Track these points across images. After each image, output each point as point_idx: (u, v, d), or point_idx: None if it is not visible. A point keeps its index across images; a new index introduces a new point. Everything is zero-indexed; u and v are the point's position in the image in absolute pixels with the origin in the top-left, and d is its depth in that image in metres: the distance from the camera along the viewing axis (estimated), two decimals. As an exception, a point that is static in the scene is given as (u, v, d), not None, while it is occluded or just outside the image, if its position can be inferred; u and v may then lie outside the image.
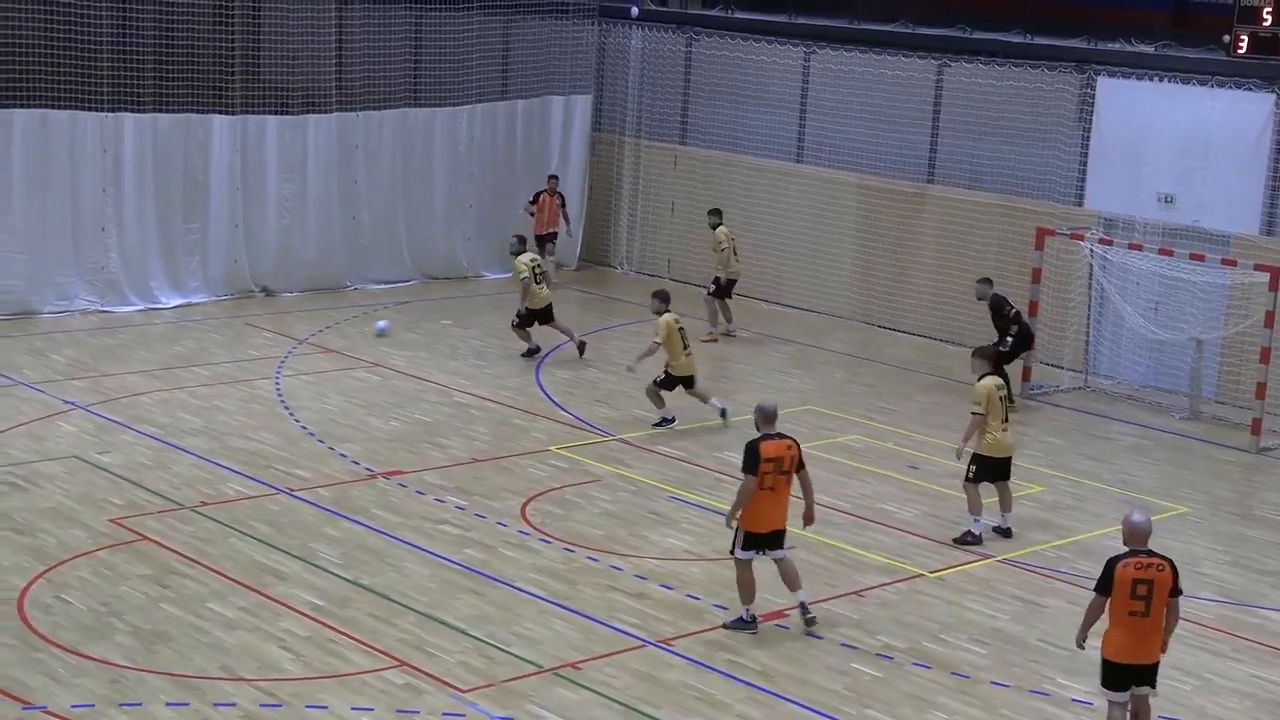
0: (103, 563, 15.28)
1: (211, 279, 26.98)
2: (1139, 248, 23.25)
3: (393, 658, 13.60)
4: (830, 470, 19.51)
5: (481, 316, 26.26)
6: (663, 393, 20.54)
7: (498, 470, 18.82)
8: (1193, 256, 22.60)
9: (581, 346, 23.78)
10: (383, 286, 28.38)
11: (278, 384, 22.06)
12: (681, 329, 20.73)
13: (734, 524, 14.17)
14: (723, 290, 25.82)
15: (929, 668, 14.12)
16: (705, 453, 19.71)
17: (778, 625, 14.81)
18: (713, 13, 30.24)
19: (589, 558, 16.14)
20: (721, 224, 26.10)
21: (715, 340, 25.41)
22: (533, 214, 28.36)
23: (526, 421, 20.82)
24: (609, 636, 14.23)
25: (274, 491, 17.63)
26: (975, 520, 16.90)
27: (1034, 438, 21.76)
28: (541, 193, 28.64)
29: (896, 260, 27.30)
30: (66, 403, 20.53)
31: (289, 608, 14.53)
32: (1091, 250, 23.69)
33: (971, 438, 16.68)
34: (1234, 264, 22.34)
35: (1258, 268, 21.91)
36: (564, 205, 28.87)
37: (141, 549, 15.71)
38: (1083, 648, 12.19)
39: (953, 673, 14.04)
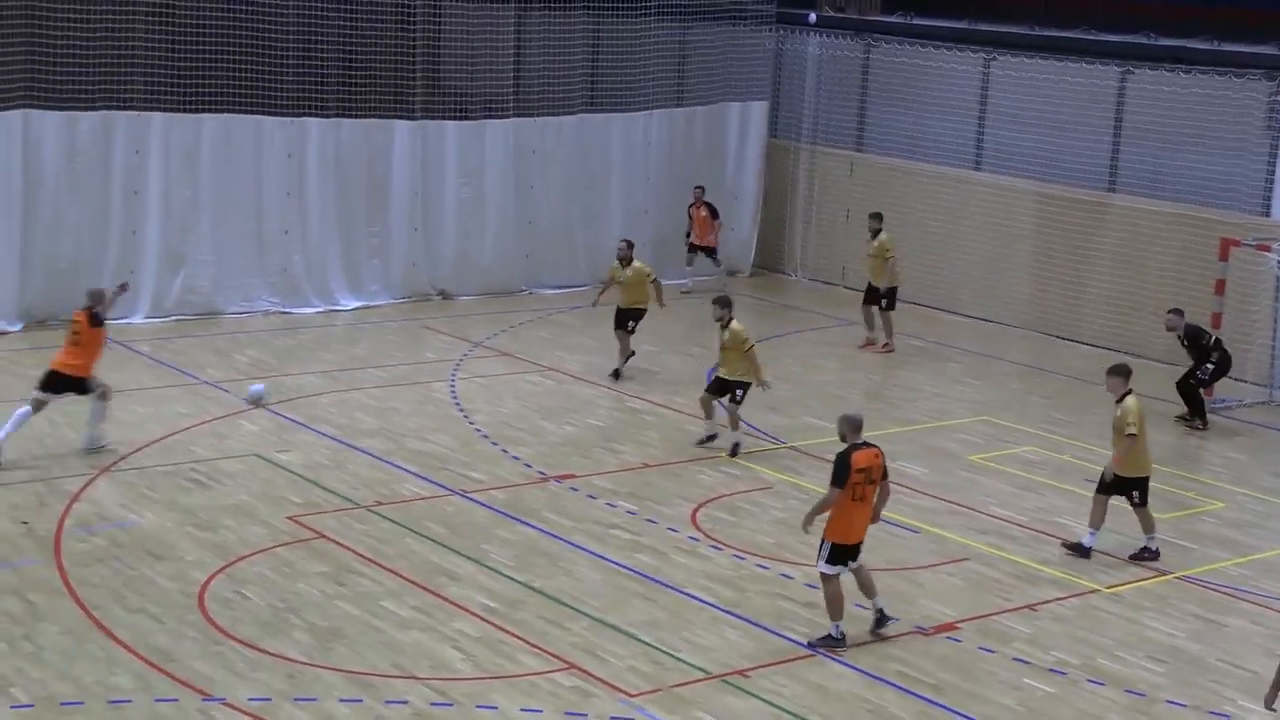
0: (281, 560, 15.58)
1: (390, 282, 27.40)
2: None
3: (563, 660, 13.69)
4: (1006, 482, 19.40)
5: (654, 321, 26.22)
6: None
7: (668, 476, 18.90)
8: None
9: (616, 374, 22.93)
10: (558, 291, 28.60)
11: (453, 387, 22.32)
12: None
13: (810, 529, 14.10)
14: (892, 301, 25.52)
15: (1103, 685, 13.96)
16: None
17: (949, 638, 14.67)
18: (891, 19, 30.10)
19: (759, 565, 16.15)
20: (883, 229, 25.60)
21: (891, 350, 25.34)
22: (688, 230, 28.70)
23: (699, 428, 20.81)
24: (779, 645, 14.19)
25: (448, 493, 17.82)
26: (1091, 532, 16.76)
27: (1216, 453, 21.48)
28: (691, 205, 28.55)
29: (1075, 270, 27.05)
30: (248, 402, 20.84)
31: (462, 608, 14.68)
32: (1278, 262, 23.32)
33: (1125, 460, 16.38)
34: None
35: None
36: (715, 215, 28.62)
37: (319, 547, 15.97)
38: None
39: (1128, 690, 13.88)
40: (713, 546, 16.65)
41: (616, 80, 29.15)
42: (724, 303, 20.05)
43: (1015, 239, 27.78)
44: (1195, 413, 22.21)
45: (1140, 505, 16.60)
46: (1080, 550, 16.63)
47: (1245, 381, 24.21)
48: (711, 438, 19.73)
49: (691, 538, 16.88)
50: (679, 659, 13.87)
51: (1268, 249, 23.34)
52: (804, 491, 18.54)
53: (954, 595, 15.55)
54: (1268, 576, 16.78)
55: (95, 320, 18.25)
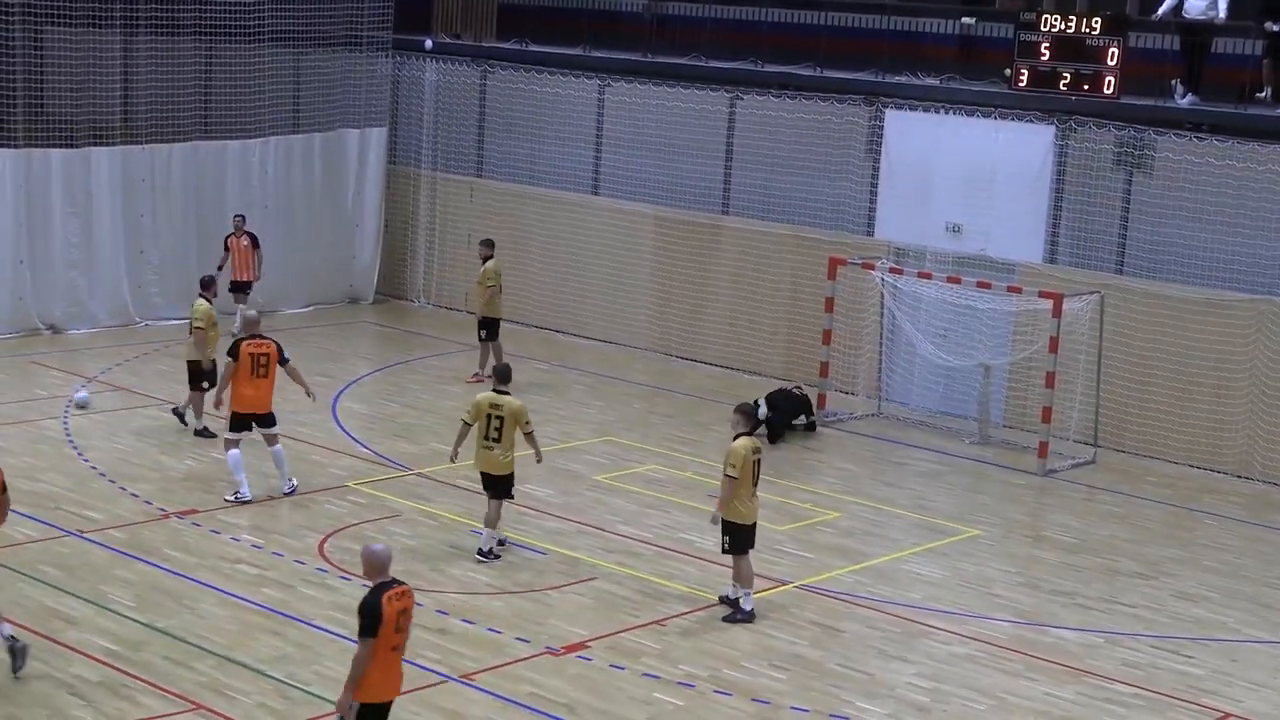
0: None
1: (-3, 317, 26.09)
2: (928, 276, 23.49)
3: (189, 701, 13.30)
4: (631, 501, 19.52)
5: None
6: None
7: (295, 508, 18.55)
8: (980, 285, 22.91)
9: (180, 415, 21.44)
10: (175, 323, 27.54)
11: (66, 423, 21.47)
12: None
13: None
14: (493, 333, 24.70)
15: (731, 695, 14.10)
16: None
17: (580, 657, 14.71)
18: (507, 45, 29.97)
19: (390, 594, 15.84)
20: (493, 258, 25.03)
21: (480, 380, 24.18)
22: (221, 266, 26.03)
23: (324, 458, 20.57)
24: (411, 673, 13.97)
25: (63, 534, 17.18)
26: (746, 594, 15.77)
27: (829, 464, 21.98)
28: (229, 236, 26.81)
29: (694, 292, 27.38)
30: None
31: (80, 653, 14.12)
32: (882, 279, 23.88)
33: (728, 503, 15.45)
34: (1019, 291, 22.72)
35: (1041, 294, 22.22)
36: (256, 246, 26.82)
37: (-77, 597, 15.14)
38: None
39: (754, 699, 14.02)
40: (342, 577, 16.37)
41: (231, 106, 28.55)
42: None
43: (635, 262, 27.99)
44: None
45: (727, 552, 15.69)
46: (742, 615, 15.74)
47: (855, 394, 24.84)
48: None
49: (320, 569, 16.57)
50: (310, 693, 13.59)
51: (872, 267, 23.94)
52: (433, 519, 18.37)
53: (584, 614, 15.57)
54: (881, 582, 17.25)
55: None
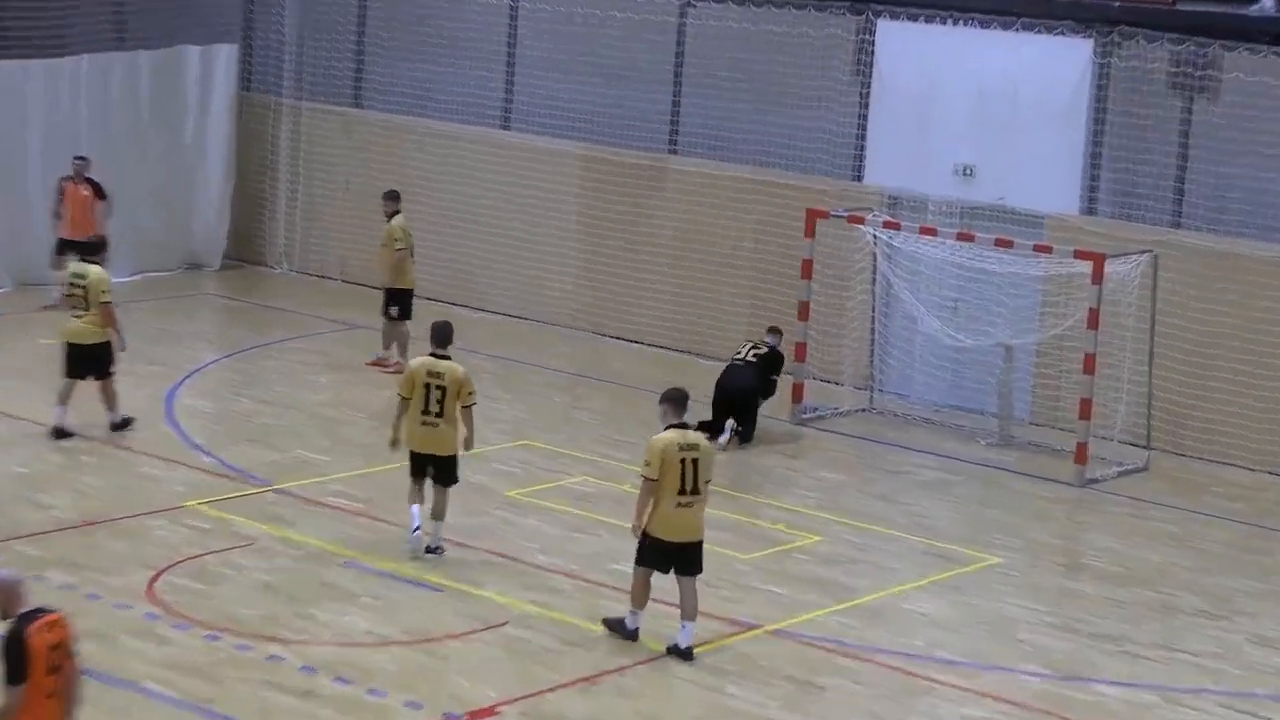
0: None
1: None
2: (932, 232, 23.55)
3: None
4: (552, 523, 19.48)
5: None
6: None
7: (117, 535, 18.31)
8: (999, 243, 22.97)
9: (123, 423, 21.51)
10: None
11: None
12: None
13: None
14: (406, 310, 24.86)
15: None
16: (391, 502, 19.18)
17: (487, 725, 14.59)
18: (394, -61, 30.15)
19: (239, 646, 15.73)
20: (400, 213, 25.18)
21: (401, 370, 23.61)
22: (58, 214, 26.75)
23: (158, 470, 20.35)
24: (266, 748, 13.89)
25: None
26: (631, 612, 16.07)
27: (807, 473, 22.03)
28: (66, 180, 27.02)
29: (630, 252, 27.41)
30: None
31: None
32: (875, 236, 23.99)
33: (643, 513, 15.68)
34: (1049, 251, 22.83)
35: (1078, 254, 22.35)
36: (102, 196, 27.08)
37: None
38: None
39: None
40: (177, 626, 16.12)
41: (32, 16, 28.22)
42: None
43: (556, 215, 28.10)
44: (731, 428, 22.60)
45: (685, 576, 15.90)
46: (624, 630, 16.20)
47: (840, 384, 24.88)
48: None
49: (149, 615, 16.33)
50: (133, 777, 13.25)
51: (861, 221, 23.98)
52: (297, 547, 18.22)
53: (493, 670, 15.44)
54: (873, 625, 17.23)
55: None
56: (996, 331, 23.66)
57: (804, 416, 23.94)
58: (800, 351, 24.17)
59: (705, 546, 16.08)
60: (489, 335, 27.34)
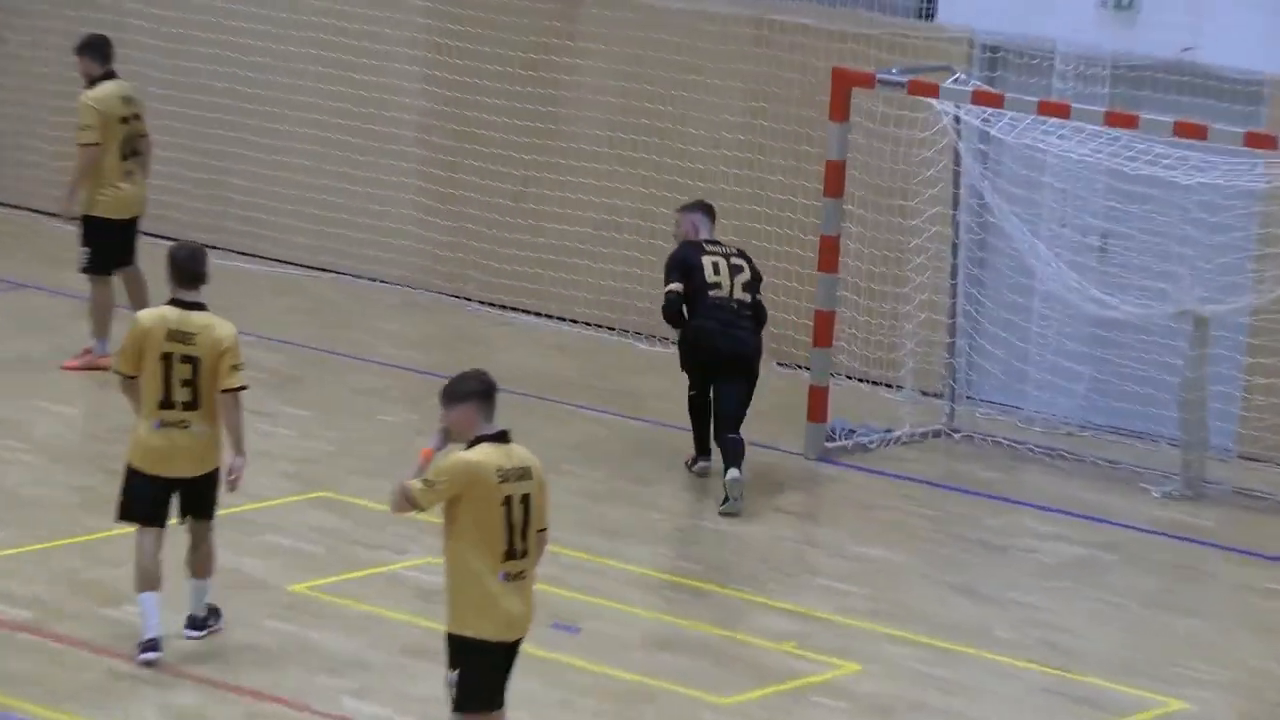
0: None
1: None
2: (1064, 111, 20.77)
3: None
4: (371, 646, 16.87)
5: None
6: None
7: None
8: (1179, 130, 20.33)
9: None
10: None
11: None
12: None
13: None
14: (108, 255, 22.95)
15: None
16: (81, 599, 17.46)
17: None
18: None
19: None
20: (114, 75, 22.29)
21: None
22: None
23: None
24: None
25: None
26: None
27: (837, 548, 19.54)
28: None
29: (516, 157, 24.36)
30: None
31: None
32: (958, 119, 21.44)
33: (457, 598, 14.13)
34: (1273, 145, 20.22)
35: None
36: None
37: None
38: None
39: None
40: None
41: None
42: None
43: (390, 103, 25.11)
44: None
45: (457, 708, 14.60)
46: None
47: (896, 388, 22.17)
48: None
49: None
50: None
51: (934, 91, 21.30)
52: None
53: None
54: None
55: None
56: (1179, 292, 20.74)
57: (831, 445, 20.87)
58: (822, 328, 21.08)
59: (657, 682, 15.74)
60: (273, 304, 24.91)
